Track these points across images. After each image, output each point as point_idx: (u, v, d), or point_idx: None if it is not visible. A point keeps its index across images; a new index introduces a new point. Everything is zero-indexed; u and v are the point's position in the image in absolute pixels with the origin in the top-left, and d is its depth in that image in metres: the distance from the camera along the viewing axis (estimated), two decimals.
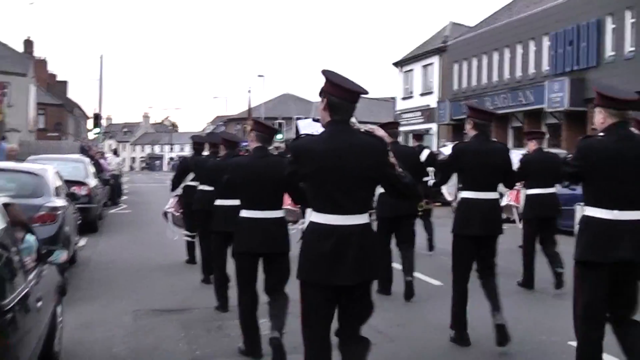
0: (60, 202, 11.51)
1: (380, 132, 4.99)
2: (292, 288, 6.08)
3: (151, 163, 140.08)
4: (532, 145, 11.47)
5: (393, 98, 55.24)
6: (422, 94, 49.16)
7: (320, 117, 5.12)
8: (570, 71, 31.84)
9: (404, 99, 52.31)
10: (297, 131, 9.03)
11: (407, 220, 10.40)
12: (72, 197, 13.43)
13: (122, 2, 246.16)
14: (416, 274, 10.92)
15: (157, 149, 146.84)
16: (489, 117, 8.20)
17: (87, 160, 21.50)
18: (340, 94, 4.80)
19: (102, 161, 27.42)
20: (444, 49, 46.13)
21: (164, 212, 14.16)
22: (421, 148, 14.38)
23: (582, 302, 5.73)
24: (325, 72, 4.87)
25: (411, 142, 15.29)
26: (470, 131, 7.97)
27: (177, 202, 13.78)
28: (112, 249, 16.15)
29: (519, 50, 37.01)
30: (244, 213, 7.19)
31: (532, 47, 35.89)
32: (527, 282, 11.20)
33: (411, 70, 51.53)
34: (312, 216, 4.85)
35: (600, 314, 5.71)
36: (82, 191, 18.22)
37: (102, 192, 22.81)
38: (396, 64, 53.81)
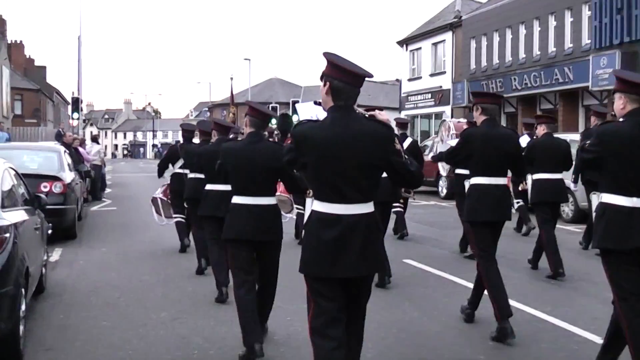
0: (10, 216, 7.21)
1: (384, 116, 4.87)
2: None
3: (134, 150, 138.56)
4: (540, 130, 11.32)
5: (398, 80, 51.23)
6: (432, 75, 45.07)
7: (322, 102, 4.83)
8: (619, 44, 27.53)
9: (410, 80, 48.12)
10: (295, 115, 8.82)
11: (385, 207, 10.26)
12: (35, 203, 9.25)
13: None
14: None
15: (139, 136, 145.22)
16: (496, 101, 8.21)
17: (62, 149, 17.17)
18: (344, 77, 4.63)
19: (81, 149, 23.22)
20: (458, 24, 41.86)
21: (153, 198, 14.48)
22: (404, 137, 14.10)
23: (621, 291, 5.69)
24: (327, 55, 4.71)
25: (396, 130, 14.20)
26: (478, 117, 7.90)
27: (165, 189, 14.07)
28: (95, 267, 12.09)
29: (552, 22, 32.85)
30: (236, 199, 7.07)
31: (568, 18, 31.74)
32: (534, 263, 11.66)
33: (419, 48, 47.38)
34: (315, 205, 4.68)
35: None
36: (55, 188, 14.47)
37: (81, 187, 18.70)
38: (401, 43, 49.62)
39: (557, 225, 11.64)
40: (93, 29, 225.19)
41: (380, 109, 10.44)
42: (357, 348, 4.89)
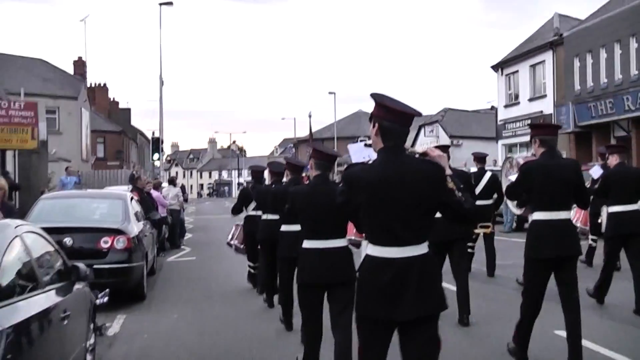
0: (6, 316, 4.68)
1: (436, 152, 4.77)
2: None
3: (219, 189, 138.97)
4: (613, 160, 11.10)
5: (493, 107, 48.16)
6: (532, 99, 41.71)
7: (372, 143, 4.85)
8: None
9: (507, 106, 44.86)
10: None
11: (459, 244, 9.91)
12: (72, 275, 6.88)
13: (183, 25, 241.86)
14: None
15: (225, 175, 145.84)
16: (554, 132, 7.99)
17: (128, 196, 14.75)
18: (391, 117, 4.64)
19: (155, 194, 20.97)
20: (559, 42, 38.53)
21: (228, 243, 14.74)
22: (482, 171, 14.49)
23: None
24: (374, 95, 4.74)
25: (473, 165, 15.11)
26: (537, 149, 7.74)
27: (239, 232, 14.11)
28: (162, 343, 9.65)
29: None
30: (306, 243, 7.07)
31: None
32: (599, 296, 11.00)
33: (515, 72, 44.12)
34: (368, 249, 4.64)
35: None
36: (118, 244, 12.26)
37: (153, 238, 16.26)
38: (495, 67, 46.48)
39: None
40: (176, 71, 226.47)
41: (448, 146, 10.30)
42: None
